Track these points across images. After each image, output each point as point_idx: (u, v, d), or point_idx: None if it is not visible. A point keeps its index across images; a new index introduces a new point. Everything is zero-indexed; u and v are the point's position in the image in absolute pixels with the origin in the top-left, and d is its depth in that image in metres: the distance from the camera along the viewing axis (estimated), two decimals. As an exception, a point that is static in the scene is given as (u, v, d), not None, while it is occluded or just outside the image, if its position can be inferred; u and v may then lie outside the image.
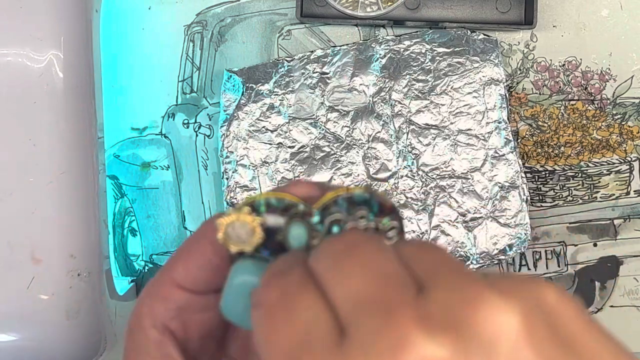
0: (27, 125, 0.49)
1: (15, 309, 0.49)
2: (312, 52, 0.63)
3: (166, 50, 0.65)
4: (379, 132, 0.63)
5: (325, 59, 0.63)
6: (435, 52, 0.63)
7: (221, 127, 0.63)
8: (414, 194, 0.63)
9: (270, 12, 0.65)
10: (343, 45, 0.64)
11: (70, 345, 0.51)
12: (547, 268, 0.65)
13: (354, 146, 0.63)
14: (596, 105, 0.66)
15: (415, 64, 0.63)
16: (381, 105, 0.63)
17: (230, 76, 0.63)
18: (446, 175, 0.63)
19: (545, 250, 0.65)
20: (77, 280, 0.49)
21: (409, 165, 0.63)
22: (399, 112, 0.63)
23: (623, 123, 0.66)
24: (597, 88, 0.66)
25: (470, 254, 0.62)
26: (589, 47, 0.66)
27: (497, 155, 0.63)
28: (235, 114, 0.63)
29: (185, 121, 0.65)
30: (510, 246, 0.63)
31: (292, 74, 0.63)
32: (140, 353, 0.29)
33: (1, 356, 0.50)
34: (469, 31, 0.63)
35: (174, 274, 0.30)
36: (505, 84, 0.63)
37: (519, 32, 0.65)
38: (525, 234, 0.62)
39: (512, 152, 0.63)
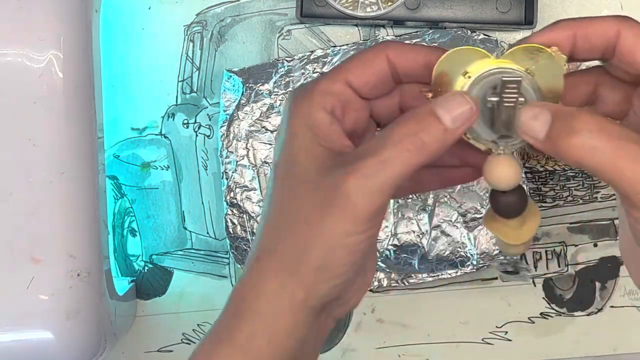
0: (27, 125, 0.49)
1: (15, 309, 0.49)
2: (312, 52, 0.63)
3: (166, 50, 0.65)
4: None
5: (325, 59, 0.63)
6: None
7: (221, 127, 0.63)
8: (415, 194, 0.63)
9: (270, 12, 0.65)
10: (343, 45, 0.64)
11: (70, 345, 0.51)
12: (547, 268, 0.65)
13: None
14: (596, 106, 0.65)
15: None
16: None
17: (230, 76, 0.63)
18: None
19: (546, 251, 0.65)
20: (77, 280, 0.49)
21: None
22: None
23: (623, 123, 0.66)
24: (598, 88, 0.66)
25: (471, 254, 0.62)
26: (589, 47, 0.66)
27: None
28: (235, 114, 0.63)
29: (185, 121, 0.65)
30: None
31: (292, 74, 0.63)
32: (312, 128, 0.36)
33: (1, 356, 0.50)
34: (469, 31, 0.63)
35: (349, 76, 0.37)
36: None
37: (519, 32, 0.65)
38: None
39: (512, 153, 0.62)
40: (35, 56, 0.49)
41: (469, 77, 0.37)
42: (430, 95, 0.37)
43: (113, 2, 0.63)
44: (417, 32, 0.64)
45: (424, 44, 0.63)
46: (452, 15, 0.65)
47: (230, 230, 0.63)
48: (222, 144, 0.63)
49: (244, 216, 0.63)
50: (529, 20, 0.64)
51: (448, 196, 0.63)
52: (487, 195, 0.63)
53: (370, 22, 0.64)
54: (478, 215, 0.62)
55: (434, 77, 0.37)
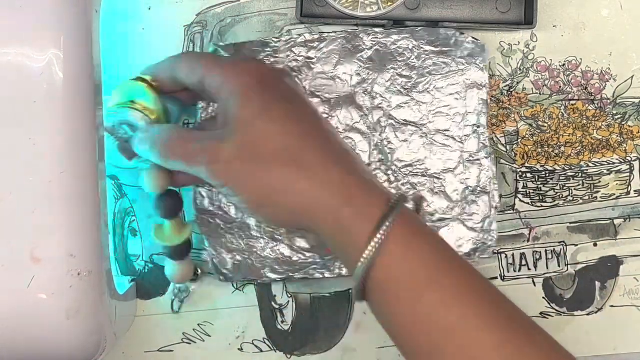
0: (27, 125, 0.49)
1: (15, 309, 0.49)
2: (300, 35, 0.63)
3: (166, 51, 0.65)
4: (357, 122, 0.63)
5: (312, 44, 0.63)
6: (422, 49, 0.63)
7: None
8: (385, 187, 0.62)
9: (270, 12, 0.66)
10: (332, 32, 0.64)
11: (70, 345, 0.51)
12: (547, 268, 0.65)
13: None
14: (596, 105, 0.66)
15: (401, 59, 0.63)
16: (362, 96, 0.63)
17: (216, 50, 0.63)
18: (419, 173, 0.62)
19: (546, 250, 0.65)
20: (77, 280, 0.49)
21: (382, 159, 0.63)
22: (379, 105, 0.63)
23: (623, 123, 0.66)
24: (597, 88, 0.66)
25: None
26: (589, 47, 0.66)
27: (471, 159, 0.62)
28: None
29: (186, 121, 0.65)
30: (475, 250, 0.62)
31: (277, 55, 0.63)
32: None
33: (1, 356, 0.50)
34: (458, 32, 0.63)
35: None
36: (488, 89, 0.63)
37: (519, 32, 0.65)
38: (491, 241, 0.62)
39: (487, 158, 0.62)
40: (35, 56, 0.49)
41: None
42: None
43: (113, 2, 0.63)
44: (406, 27, 0.63)
45: (412, 40, 0.63)
46: (452, 15, 0.65)
47: (198, 202, 0.62)
48: (201, 116, 0.62)
49: (213, 189, 0.62)
50: (528, 20, 0.64)
51: None
52: (457, 196, 0.62)
53: (370, 22, 0.64)
54: (446, 216, 0.62)
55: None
